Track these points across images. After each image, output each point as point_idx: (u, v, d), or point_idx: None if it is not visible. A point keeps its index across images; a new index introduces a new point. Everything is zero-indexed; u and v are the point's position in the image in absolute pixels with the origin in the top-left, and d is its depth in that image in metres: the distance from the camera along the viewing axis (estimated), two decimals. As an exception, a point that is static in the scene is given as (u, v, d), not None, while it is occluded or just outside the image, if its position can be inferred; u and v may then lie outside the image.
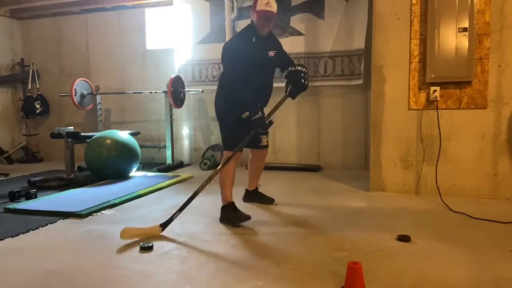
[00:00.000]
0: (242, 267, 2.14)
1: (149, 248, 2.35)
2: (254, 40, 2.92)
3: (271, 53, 3.01)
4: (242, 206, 3.28)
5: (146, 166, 5.28)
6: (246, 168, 4.88)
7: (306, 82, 2.96)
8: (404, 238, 2.45)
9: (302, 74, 2.95)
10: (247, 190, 3.46)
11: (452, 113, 3.49)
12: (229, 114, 2.95)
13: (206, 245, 2.47)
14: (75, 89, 5.54)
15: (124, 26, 5.96)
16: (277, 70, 3.17)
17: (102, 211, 3.23)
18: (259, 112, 2.82)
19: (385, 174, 3.69)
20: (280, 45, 3.15)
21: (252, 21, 2.97)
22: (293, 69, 3.00)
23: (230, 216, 2.87)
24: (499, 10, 3.32)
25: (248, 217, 2.81)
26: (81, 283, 1.98)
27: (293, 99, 3.05)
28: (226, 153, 2.97)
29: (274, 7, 2.91)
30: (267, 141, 3.27)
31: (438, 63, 3.40)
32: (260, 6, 2.88)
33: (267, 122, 2.87)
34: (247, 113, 2.78)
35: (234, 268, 2.13)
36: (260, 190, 3.44)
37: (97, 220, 3.04)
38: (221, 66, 5.15)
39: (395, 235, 2.51)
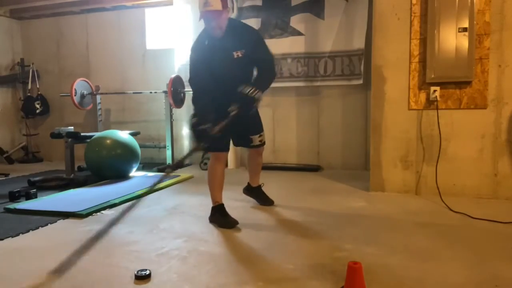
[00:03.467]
0: (242, 267, 2.14)
1: (146, 277, 1.99)
2: (206, 43, 2.66)
3: (237, 54, 2.67)
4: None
5: (146, 166, 5.28)
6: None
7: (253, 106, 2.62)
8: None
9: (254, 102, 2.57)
10: (249, 184, 3.37)
11: (452, 113, 3.49)
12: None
13: (206, 245, 2.47)
14: (75, 89, 5.54)
15: (124, 26, 5.96)
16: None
17: (102, 211, 3.24)
18: (206, 123, 2.53)
19: (385, 174, 3.69)
20: (255, 43, 2.73)
21: None
22: (245, 91, 2.54)
23: (218, 219, 2.85)
24: (499, 10, 3.32)
25: (235, 223, 2.76)
26: (81, 283, 1.98)
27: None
28: (214, 154, 2.91)
29: (214, 4, 2.52)
30: (260, 140, 3.05)
31: (438, 63, 3.40)
32: (199, 7, 2.58)
33: (212, 133, 2.53)
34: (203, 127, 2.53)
35: (234, 268, 2.13)
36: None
37: (97, 220, 3.04)
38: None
39: (395, 235, 2.51)
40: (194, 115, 2.63)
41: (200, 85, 2.68)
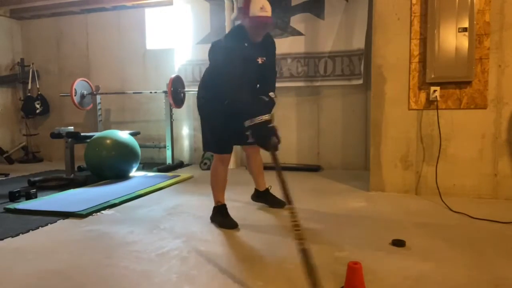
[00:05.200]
0: (242, 267, 2.14)
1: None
2: (246, 44, 2.67)
3: (260, 60, 2.76)
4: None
5: (146, 166, 5.28)
6: (246, 169, 4.91)
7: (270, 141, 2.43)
8: (399, 243, 2.39)
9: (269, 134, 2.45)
10: (256, 190, 3.31)
11: (452, 113, 3.49)
12: (217, 114, 2.76)
13: (206, 245, 2.47)
14: (75, 89, 5.54)
15: (124, 26, 5.96)
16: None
17: (102, 211, 3.23)
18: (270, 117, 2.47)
19: (385, 174, 3.69)
20: (273, 52, 2.90)
21: (241, 24, 2.73)
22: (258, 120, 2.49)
23: (219, 219, 2.84)
24: (499, 10, 3.32)
25: (235, 225, 2.75)
26: (81, 283, 1.98)
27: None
28: (218, 156, 2.86)
29: (269, 11, 2.63)
30: None
31: (438, 63, 3.40)
32: (254, 11, 2.60)
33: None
34: (263, 117, 2.40)
35: (233, 268, 2.13)
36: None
37: (97, 220, 3.04)
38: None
39: (395, 235, 2.51)
40: (252, 115, 2.44)
41: (241, 83, 2.58)
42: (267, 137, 2.41)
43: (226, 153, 2.87)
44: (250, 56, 2.71)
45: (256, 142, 2.49)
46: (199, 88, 2.92)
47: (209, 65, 2.88)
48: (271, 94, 2.85)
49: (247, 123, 2.48)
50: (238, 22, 5.09)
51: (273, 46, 2.93)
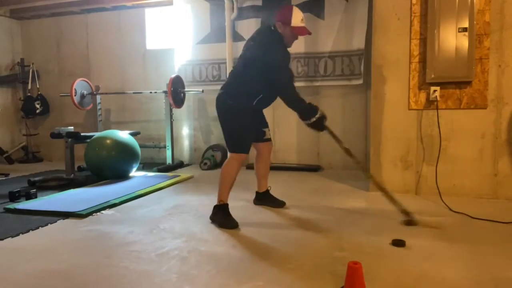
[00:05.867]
0: (242, 267, 2.14)
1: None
2: (285, 50, 2.97)
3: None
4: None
5: (146, 166, 5.28)
6: (246, 168, 4.91)
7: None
8: (399, 243, 2.39)
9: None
10: (257, 193, 3.36)
11: (452, 113, 3.49)
12: (246, 115, 2.89)
13: (206, 245, 2.47)
14: (75, 89, 5.54)
15: (124, 26, 5.96)
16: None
17: (102, 211, 3.23)
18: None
19: (385, 174, 3.69)
20: None
21: (276, 30, 2.90)
22: None
23: (220, 218, 2.85)
24: (499, 10, 3.32)
25: (235, 225, 2.77)
26: (81, 283, 1.98)
27: None
28: (237, 155, 2.89)
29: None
30: (269, 134, 3.26)
31: (438, 63, 3.40)
32: (296, 22, 2.87)
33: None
34: (319, 114, 3.00)
35: (233, 268, 2.13)
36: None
37: (97, 220, 3.04)
38: (221, 66, 5.26)
39: (395, 235, 2.51)
40: (312, 112, 3.03)
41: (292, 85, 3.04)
42: (323, 125, 3.06)
43: (247, 153, 2.94)
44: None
45: (313, 129, 3.08)
46: (224, 92, 2.94)
47: (245, 68, 2.92)
48: None
49: (309, 121, 3.01)
50: (238, 22, 5.14)
51: None
